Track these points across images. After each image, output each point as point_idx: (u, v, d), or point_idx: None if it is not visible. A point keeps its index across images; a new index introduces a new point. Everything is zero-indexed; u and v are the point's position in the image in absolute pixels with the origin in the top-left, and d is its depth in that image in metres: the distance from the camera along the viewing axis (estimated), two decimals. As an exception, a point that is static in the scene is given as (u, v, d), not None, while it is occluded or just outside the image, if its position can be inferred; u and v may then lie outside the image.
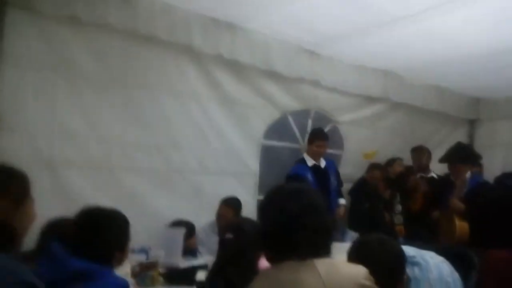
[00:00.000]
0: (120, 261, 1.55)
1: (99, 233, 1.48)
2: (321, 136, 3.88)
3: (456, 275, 1.90)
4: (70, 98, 2.88)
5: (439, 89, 4.60)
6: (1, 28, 2.56)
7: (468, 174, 3.56)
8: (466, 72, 4.02)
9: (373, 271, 1.22)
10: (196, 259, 2.92)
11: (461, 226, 3.31)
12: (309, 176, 3.79)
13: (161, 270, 2.21)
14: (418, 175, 4.12)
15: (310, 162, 3.87)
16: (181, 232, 2.63)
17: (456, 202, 3.46)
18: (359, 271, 1.21)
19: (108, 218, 1.53)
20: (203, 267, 2.26)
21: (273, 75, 3.69)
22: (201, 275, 2.21)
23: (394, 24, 3.07)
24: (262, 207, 1.37)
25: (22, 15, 2.62)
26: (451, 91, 4.70)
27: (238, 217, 3.03)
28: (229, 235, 1.92)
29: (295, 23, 3.25)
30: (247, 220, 2.05)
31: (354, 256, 1.50)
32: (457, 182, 3.55)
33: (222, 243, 1.96)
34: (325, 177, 3.87)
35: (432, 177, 4.16)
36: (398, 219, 4.17)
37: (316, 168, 3.89)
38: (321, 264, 1.22)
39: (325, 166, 3.95)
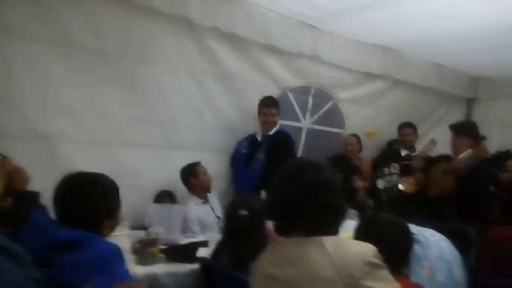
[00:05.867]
0: (110, 229, 1.45)
1: (82, 200, 1.36)
2: (266, 103, 3.49)
3: (456, 252, 1.92)
4: (65, 70, 2.80)
5: (438, 66, 4.55)
6: (-9, -3, 2.46)
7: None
8: (466, 50, 3.97)
9: (382, 250, 1.21)
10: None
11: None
12: (242, 148, 3.49)
13: (161, 247, 2.20)
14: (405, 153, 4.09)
15: (258, 132, 3.55)
16: (180, 209, 2.62)
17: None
18: (368, 249, 1.19)
19: (91, 184, 1.41)
20: (203, 244, 2.26)
21: (273, 50, 3.60)
22: (202, 252, 2.21)
23: (396, 1, 2.99)
24: (276, 177, 1.35)
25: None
26: (450, 69, 4.65)
27: None
28: (244, 212, 1.93)
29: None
30: (257, 198, 2.07)
31: (363, 234, 1.50)
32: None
33: (235, 219, 1.96)
34: (253, 151, 3.42)
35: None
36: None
37: (253, 140, 3.51)
38: (328, 241, 1.22)
39: (263, 139, 3.48)
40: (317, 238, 1.22)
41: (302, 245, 1.23)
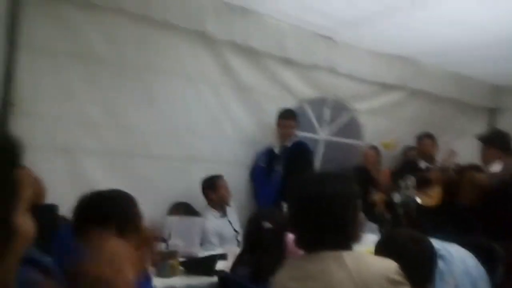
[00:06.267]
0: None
1: (102, 216, 1.38)
2: (284, 115, 3.50)
3: (481, 268, 1.86)
4: (86, 83, 2.87)
5: (457, 76, 4.47)
6: (17, 14, 2.53)
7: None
8: (487, 59, 3.89)
9: (403, 267, 1.18)
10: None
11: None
12: (261, 162, 3.51)
13: (180, 259, 2.19)
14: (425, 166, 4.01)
15: (276, 146, 3.55)
16: (200, 221, 2.61)
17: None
18: (390, 265, 1.17)
19: (108, 200, 1.44)
20: (222, 256, 2.25)
21: (288, 62, 3.62)
22: (221, 265, 2.20)
23: (412, 9, 2.98)
24: (290, 192, 1.35)
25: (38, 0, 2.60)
26: (470, 79, 4.56)
27: None
28: (268, 224, 1.93)
29: (310, 8, 3.17)
30: (279, 211, 2.07)
31: (384, 250, 1.46)
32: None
33: (259, 231, 1.96)
34: (271, 164, 3.46)
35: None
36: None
37: (271, 153, 3.52)
38: (348, 256, 1.19)
39: (280, 151, 3.50)
40: (337, 253, 1.20)
41: (322, 260, 1.22)
